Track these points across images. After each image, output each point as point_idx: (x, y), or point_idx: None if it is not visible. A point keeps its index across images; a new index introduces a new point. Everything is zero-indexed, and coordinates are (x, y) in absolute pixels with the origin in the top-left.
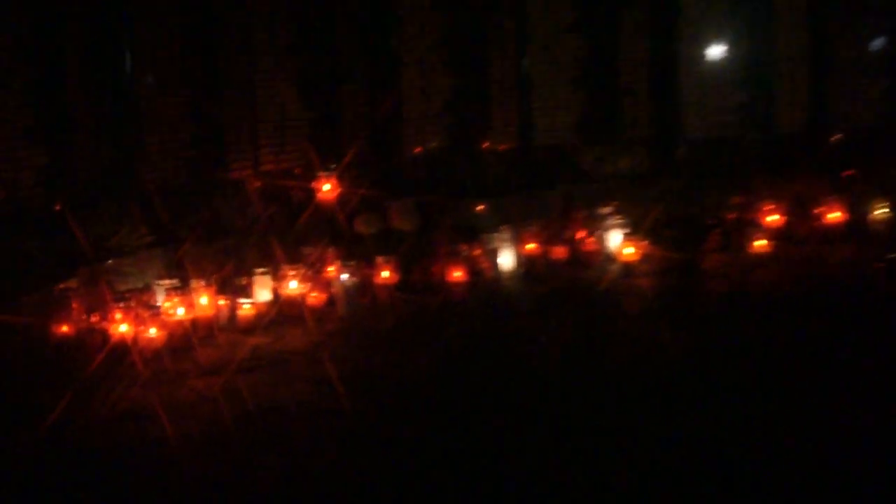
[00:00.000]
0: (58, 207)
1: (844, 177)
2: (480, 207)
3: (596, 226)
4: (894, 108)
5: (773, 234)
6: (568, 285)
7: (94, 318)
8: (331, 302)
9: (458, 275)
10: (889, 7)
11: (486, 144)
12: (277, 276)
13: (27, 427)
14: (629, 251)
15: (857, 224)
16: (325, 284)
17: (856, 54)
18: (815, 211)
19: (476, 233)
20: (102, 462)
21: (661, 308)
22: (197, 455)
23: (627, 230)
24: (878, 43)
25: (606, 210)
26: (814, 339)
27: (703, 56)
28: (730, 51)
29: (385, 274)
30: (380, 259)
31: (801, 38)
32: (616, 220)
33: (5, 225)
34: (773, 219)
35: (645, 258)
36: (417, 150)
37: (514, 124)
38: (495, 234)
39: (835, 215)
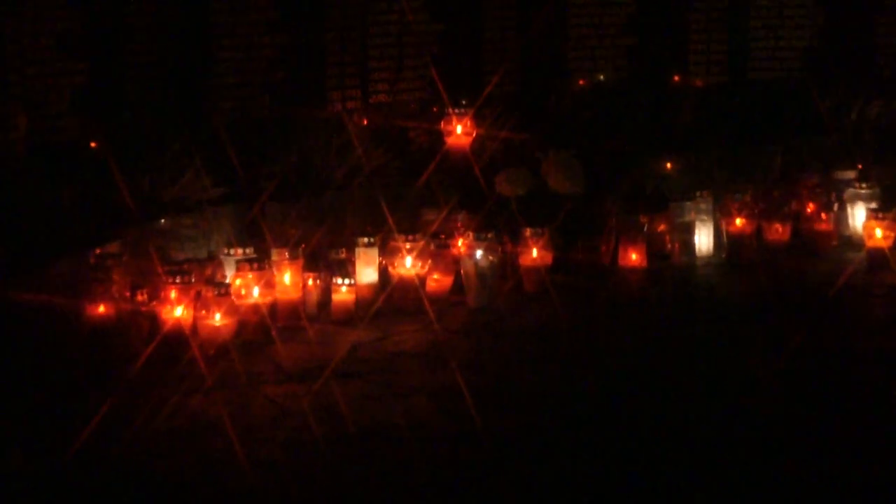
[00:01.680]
0: (94, 144)
1: None
2: (670, 165)
3: (833, 197)
4: None
5: None
6: (790, 280)
7: (140, 297)
8: (459, 288)
9: (635, 258)
10: None
11: (679, 77)
12: (387, 250)
13: (54, 444)
14: (879, 234)
15: None
16: (453, 263)
17: None
18: None
19: (663, 201)
20: (150, 493)
21: None
22: (276, 488)
23: (876, 204)
24: None
25: (848, 174)
26: None
27: None
28: None
29: (535, 252)
30: (528, 232)
31: None
32: (862, 189)
33: (28, 165)
34: None
35: None
36: (582, 82)
37: (721, 50)
38: (689, 204)
39: None
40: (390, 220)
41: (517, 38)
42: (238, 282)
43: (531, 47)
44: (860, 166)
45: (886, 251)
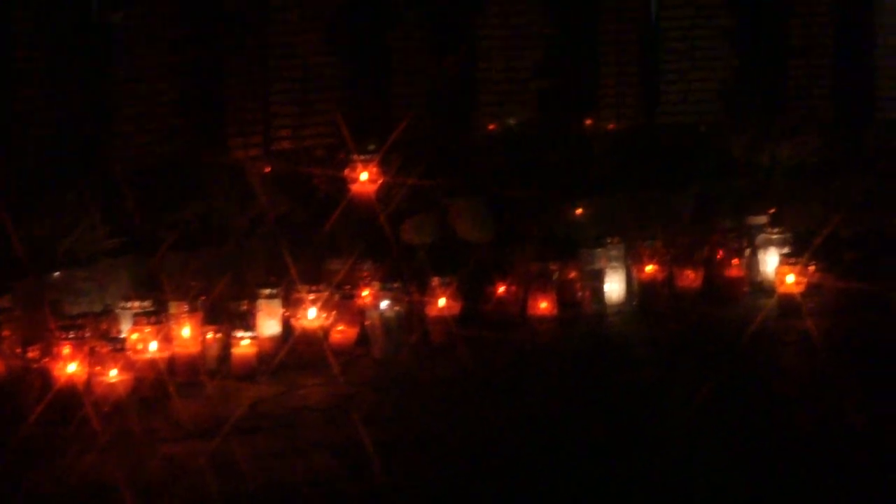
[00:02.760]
0: None
1: None
2: (580, 211)
3: (744, 242)
4: None
5: None
6: (701, 327)
7: (32, 353)
8: (364, 339)
9: (545, 306)
10: None
11: (590, 122)
12: (290, 301)
13: None
14: (791, 280)
15: None
16: (357, 314)
17: None
18: None
19: (573, 247)
20: None
21: (836, 365)
22: None
23: (789, 249)
24: None
25: (759, 219)
26: None
27: None
28: None
29: (442, 302)
30: (436, 281)
31: None
32: (773, 234)
33: None
34: None
35: (814, 290)
36: (492, 126)
37: (633, 93)
38: (600, 251)
39: None
40: (293, 270)
41: (425, 83)
42: (134, 336)
43: (439, 92)
44: (772, 211)
45: (798, 297)
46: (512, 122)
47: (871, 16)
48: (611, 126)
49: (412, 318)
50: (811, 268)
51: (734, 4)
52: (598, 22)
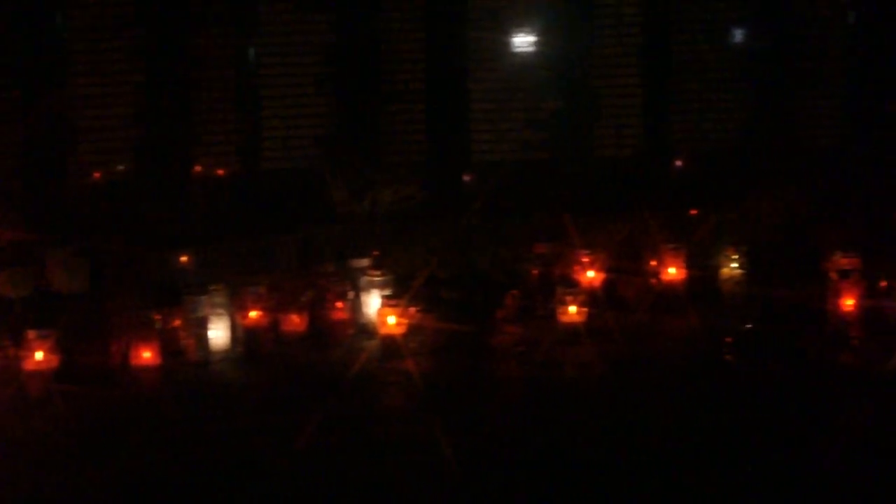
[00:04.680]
0: None
1: (687, 218)
2: (184, 259)
3: (347, 285)
4: (751, 123)
5: (591, 296)
6: (305, 370)
7: None
8: None
9: (148, 356)
10: None
11: (199, 168)
12: None
13: None
14: (392, 321)
15: (703, 283)
16: None
17: (704, 56)
18: (649, 265)
19: (176, 295)
20: None
21: (434, 403)
22: None
23: (390, 292)
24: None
25: (362, 262)
26: (642, 446)
27: (501, 52)
28: (538, 47)
29: (39, 356)
30: (31, 334)
31: (633, 34)
32: (375, 277)
33: None
34: (592, 276)
35: (414, 331)
36: (97, 175)
37: (234, 140)
38: (204, 298)
39: (673, 272)
40: None
41: (19, 131)
42: None
43: (33, 140)
44: (375, 254)
45: (399, 338)
46: (111, 171)
47: (464, 59)
48: (219, 172)
49: (8, 373)
50: (412, 309)
51: (330, 52)
52: (195, 70)
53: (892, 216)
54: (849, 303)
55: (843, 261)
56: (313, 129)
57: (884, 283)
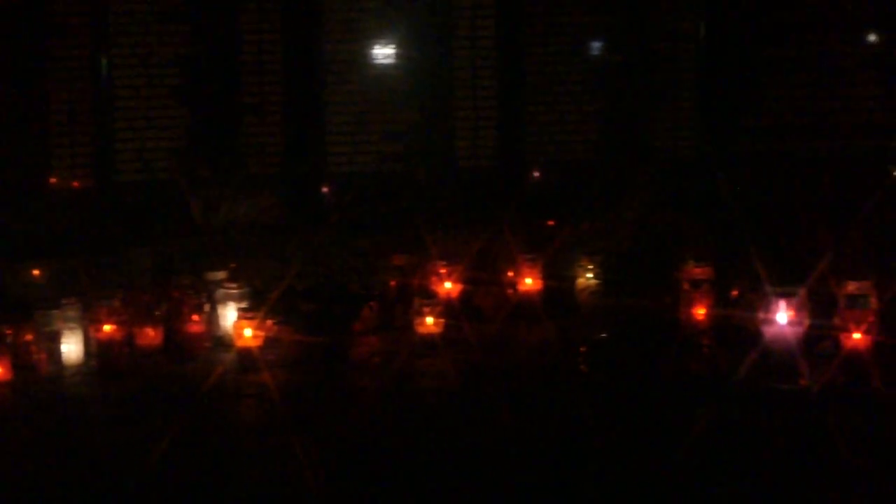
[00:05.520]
0: None
1: (544, 229)
2: (36, 272)
3: (203, 298)
4: (607, 137)
5: (448, 307)
6: (162, 384)
7: None
8: None
9: None
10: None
11: (54, 180)
12: None
13: None
14: (249, 334)
15: (559, 294)
16: None
17: (558, 69)
18: (506, 276)
19: (28, 309)
20: None
21: (291, 416)
22: None
23: (247, 305)
24: None
25: (218, 275)
26: (498, 455)
27: (357, 65)
28: (395, 59)
29: None
30: None
31: (489, 47)
32: (231, 289)
33: None
34: (449, 287)
35: (272, 343)
36: None
37: (87, 153)
38: (56, 312)
39: (530, 282)
40: None
41: None
42: None
43: None
44: (232, 266)
45: (256, 351)
46: None
47: (322, 72)
48: (74, 184)
49: None
50: (269, 321)
51: (186, 63)
52: (49, 81)
53: (744, 225)
54: (700, 312)
55: (695, 270)
56: (169, 140)
57: (735, 292)
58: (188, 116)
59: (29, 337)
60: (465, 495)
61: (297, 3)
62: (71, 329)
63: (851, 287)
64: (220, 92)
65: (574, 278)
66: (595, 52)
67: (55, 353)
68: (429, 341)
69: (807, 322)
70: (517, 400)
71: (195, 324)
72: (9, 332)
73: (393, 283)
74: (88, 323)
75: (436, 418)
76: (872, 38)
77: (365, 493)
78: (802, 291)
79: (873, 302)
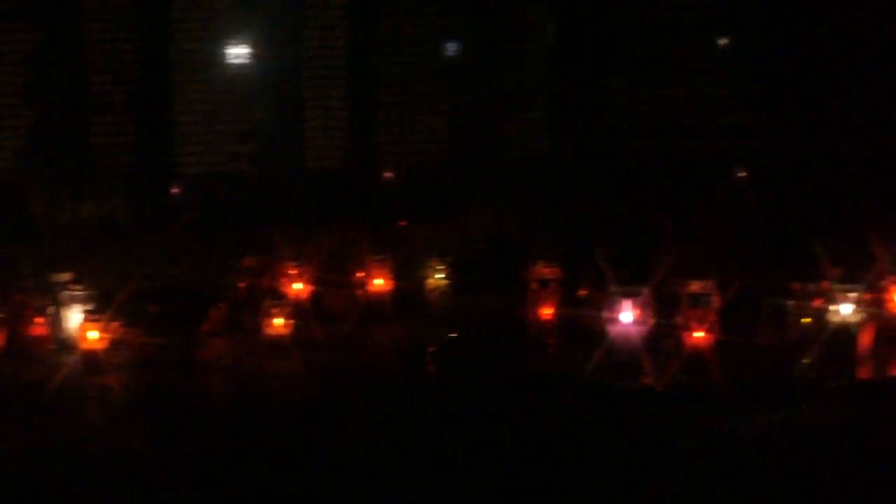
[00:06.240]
0: None
1: (395, 230)
2: None
3: (47, 300)
4: (459, 138)
5: (298, 309)
6: (5, 387)
7: None
8: None
9: None
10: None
11: None
12: None
13: None
14: (94, 336)
15: (410, 294)
16: None
17: (408, 70)
18: (356, 276)
19: None
20: None
21: (137, 417)
22: None
23: (93, 307)
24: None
25: (63, 277)
26: (341, 453)
27: (208, 66)
28: (246, 60)
29: None
30: None
31: (339, 47)
32: (76, 291)
33: None
34: (298, 288)
35: (118, 345)
36: None
37: None
38: None
39: (381, 283)
40: None
41: None
42: None
43: None
44: (77, 269)
45: (101, 353)
46: None
47: (172, 72)
48: None
49: None
50: (115, 323)
51: (35, 63)
52: None
53: (593, 226)
54: (547, 311)
55: (543, 270)
56: (14, 140)
57: (583, 292)
58: (36, 116)
59: None
60: (310, 494)
61: (147, 2)
62: None
63: (694, 286)
64: (67, 91)
65: (425, 279)
66: (446, 54)
67: None
68: (277, 343)
69: (651, 321)
70: (365, 401)
71: (38, 326)
72: None
73: (242, 284)
74: None
75: (281, 418)
76: (722, 41)
77: (212, 491)
78: (647, 291)
79: (715, 301)
